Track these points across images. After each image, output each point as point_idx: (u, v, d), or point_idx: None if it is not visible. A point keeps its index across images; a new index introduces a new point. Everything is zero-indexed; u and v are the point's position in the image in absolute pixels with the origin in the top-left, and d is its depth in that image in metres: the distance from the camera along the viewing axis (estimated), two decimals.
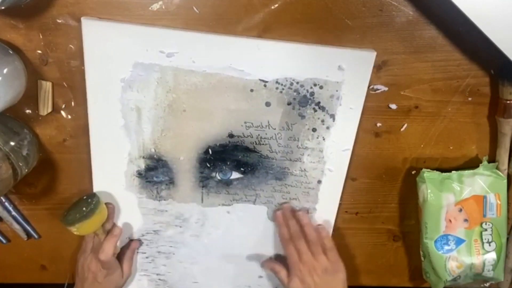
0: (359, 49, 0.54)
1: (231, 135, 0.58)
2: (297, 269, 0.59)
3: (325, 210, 0.64)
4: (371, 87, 0.58)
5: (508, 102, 0.56)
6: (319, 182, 0.62)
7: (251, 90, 0.55)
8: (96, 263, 0.59)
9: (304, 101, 0.56)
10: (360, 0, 0.52)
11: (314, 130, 0.58)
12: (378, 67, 0.56)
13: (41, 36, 0.53)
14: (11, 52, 0.52)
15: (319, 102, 0.56)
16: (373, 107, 0.59)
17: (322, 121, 0.58)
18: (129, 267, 0.64)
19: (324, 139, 0.59)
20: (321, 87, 0.55)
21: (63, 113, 0.58)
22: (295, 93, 0.56)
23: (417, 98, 0.59)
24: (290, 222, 0.61)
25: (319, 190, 0.62)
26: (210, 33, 0.53)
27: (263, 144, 0.59)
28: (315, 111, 0.57)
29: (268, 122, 0.57)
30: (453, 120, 0.61)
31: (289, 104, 0.56)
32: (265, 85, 0.55)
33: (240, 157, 0.59)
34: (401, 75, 0.57)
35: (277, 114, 0.57)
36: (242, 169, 0.60)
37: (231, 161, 0.60)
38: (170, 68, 0.53)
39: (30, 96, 0.56)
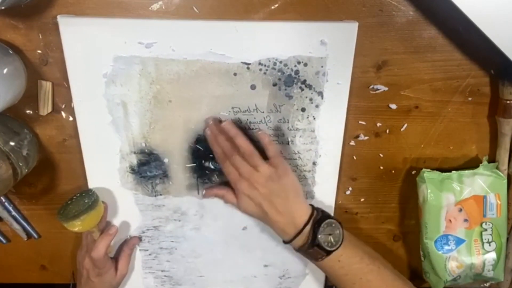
0: (340, 21, 0.53)
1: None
2: (240, 186, 0.55)
3: (323, 192, 0.63)
4: (371, 87, 0.58)
5: (508, 102, 0.56)
6: (315, 163, 0.61)
7: (235, 74, 0.54)
8: (88, 261, 0.60)
9: (290, 81, 0.55)
10: (360, 0, 0.52)
11: (303, 110, 0.57)
12: (378, 67, 0.56)
13: (41, 36, 0.53)
14: (11, 52, 0.52)
15: (305, 80, 0.55)
16: (373, 107, 0.59)
17: (311, 99, 0.56)
18: (126, 265, 0.64)
19: (314, 118, 0.58)
20: (305, 65, 0.54)
21: (63, 113, 0.58)
22: (279, 73, 0.55)
23: (417, 98, 0.59)
24: (219, 138, 0.55)
25: (315, 172, 0.61)
26: (186, 19, 0.52)
27: (253, 129, 0.58)
28: (302, 90, 0.56)
29: (256, 105, 0.57)
30: (453, 120, 0.61)
31: (274, 85, 0.55)
32: (248, 68, 0.54)
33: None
34: (401, 75, 0.57)
35: (263, 96, 0.56)
36: None
37: None
38: (150, 58, 0.53)
39: (30, 96, 0.56)
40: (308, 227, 0.54)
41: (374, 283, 0.55)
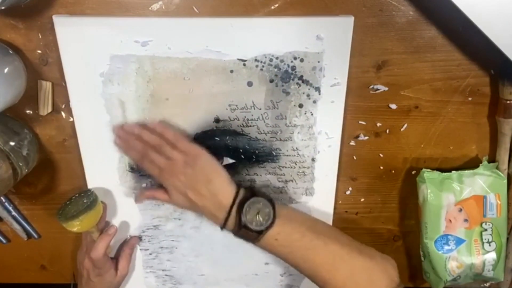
0: (336, 16, 0.53)
1: (217, 120, 0.57)
2: (164, 180, 0.54)
3: (323, 189, 0.63)
4: (371, 87, 0.58)
5: (508, 102, 0.56)
6: (313, 160, 0.61)
7: (231, 71, 0.54)
8: (88, 261, 0.60)
9: (287, 77, 0.55)
10: (360, 0, 0.52)
11: (300, 106, 0.57)
12: (378, 67, 0.56)
13: (41, 36, 0.53)
14: (11, 52, 0.52)
15: (301, 76, 0.55)
16: (373, 107, 0.59)
17: (308, 95, 0.56)
18: (126, 266, 0.64)
19: (312, 114, 0.57)
20: (301, 60, 0.54)
21: (63, 113, 0.58)
22: (276, 69, 0.54)
23: (417, 98, 0.59)
24: (131, 142, 0.56)
25: (314, 169, 0.61)
26: (181, 17, 0.52)
27: (250, 126, 0.58)
28: (299, 85, 0.56)
29: (253, 102, 0.57)
30: (453, 120, 0.61)
31: (271, 81, 0.55)
32: (244, 64, 0.54)
33: (229, 141, 0.59)
34: (401, 75, 0.57)
35: (260, 93, 0.56)
36: (233, 154, 0.59)
37: (220, 146, 0.59)
38: (146, 57, 0.53)
39: (30, 96, 0.56)
40: (235, 207, 0.52)
41: (319, 258, 0.52)
